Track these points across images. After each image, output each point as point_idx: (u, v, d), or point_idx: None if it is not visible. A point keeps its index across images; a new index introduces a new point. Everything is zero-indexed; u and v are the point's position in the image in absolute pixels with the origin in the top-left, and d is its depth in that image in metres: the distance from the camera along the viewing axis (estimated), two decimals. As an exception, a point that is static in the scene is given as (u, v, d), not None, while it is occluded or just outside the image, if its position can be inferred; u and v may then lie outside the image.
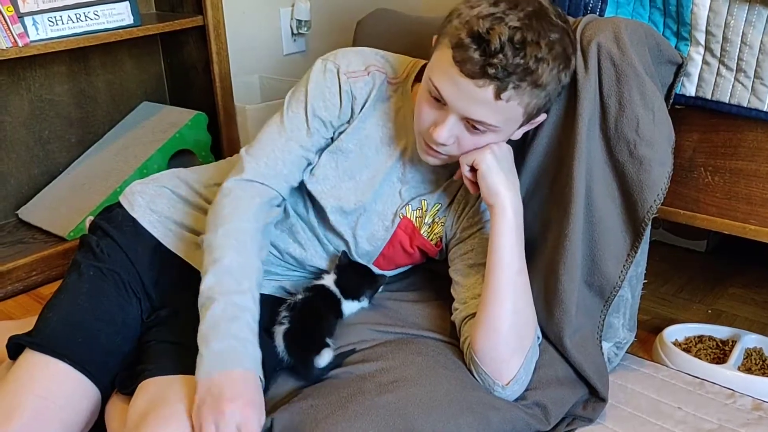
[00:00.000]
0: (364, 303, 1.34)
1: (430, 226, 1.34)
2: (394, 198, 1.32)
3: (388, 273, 1.41)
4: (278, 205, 1.26)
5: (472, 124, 1.12)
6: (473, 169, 1.19)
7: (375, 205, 1.31)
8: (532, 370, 1.21)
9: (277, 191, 1.23)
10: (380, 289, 1.37)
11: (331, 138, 1.28)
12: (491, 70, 1.04)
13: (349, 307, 1.32)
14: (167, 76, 2.27)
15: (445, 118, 1.12)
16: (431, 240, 1.35)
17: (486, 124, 1.11)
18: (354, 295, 1.31)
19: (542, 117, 1.20)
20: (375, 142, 1.29)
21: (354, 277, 1.32)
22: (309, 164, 1.28)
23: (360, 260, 1.35)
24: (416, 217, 1.33)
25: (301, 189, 1.31)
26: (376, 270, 1.37)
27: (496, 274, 1.18)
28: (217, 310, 1.08)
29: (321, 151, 1.29)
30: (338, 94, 1.24)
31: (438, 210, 1.33)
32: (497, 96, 1.06)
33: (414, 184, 1.31)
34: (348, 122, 1.27)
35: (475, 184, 1.20)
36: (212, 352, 1.05)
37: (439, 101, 1.12)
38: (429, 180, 1.32)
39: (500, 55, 1.03)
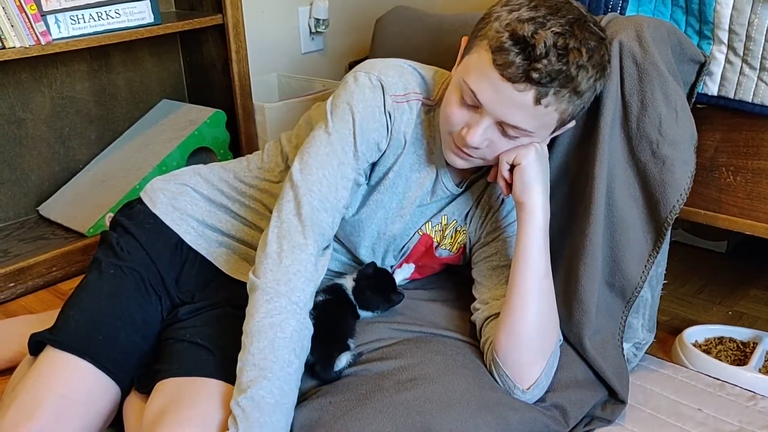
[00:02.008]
0: (377, 313, 1.34)
1: (452, 236, 1.33)
2: (418, 218, 1.31)
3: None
4: (328, 246, 1.18)
5: (505, 129, 1.10)
6: (511, 169, 1.16)
7: (400, 227, 1.30)
8: (553, 374, 1.20)
9: (331, 229, 1.15)
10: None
11: (373, 164, 1.22)
12: (534, 75, 1.02)
13: (363, 314, 1.32)
14: (186, 75, 2.29)
15: (479, 121, 1.10)
16: (454, 248, 1.35)
17: (520, 129, 1.09)
18: (367, 308, 1.32)
19: (572, 123, 1.18)
20: (406, 170, 1.25)
21: (371, 291, 1.30)
22: (358, 185, 1.21)
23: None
24: (436, 231, 1.32)
25: None
26: (399, 276, 1.36)
27: (521, 275, 1.16)
28: (264, 391, 1.02)
29: (366, 176, 1.23)
30: (385, 114, 1.17)
31: (458, 221, 1.32)
32: (537, 101, 1.05)
33: (437, 199, 1.30)
34: (386, 149, 1.21)
35: (509, 184, 1.18)
36: None
37: (472, 104, 1.09)
38: (452, 194, 1.30)
39: (544, 60, 1.01)
